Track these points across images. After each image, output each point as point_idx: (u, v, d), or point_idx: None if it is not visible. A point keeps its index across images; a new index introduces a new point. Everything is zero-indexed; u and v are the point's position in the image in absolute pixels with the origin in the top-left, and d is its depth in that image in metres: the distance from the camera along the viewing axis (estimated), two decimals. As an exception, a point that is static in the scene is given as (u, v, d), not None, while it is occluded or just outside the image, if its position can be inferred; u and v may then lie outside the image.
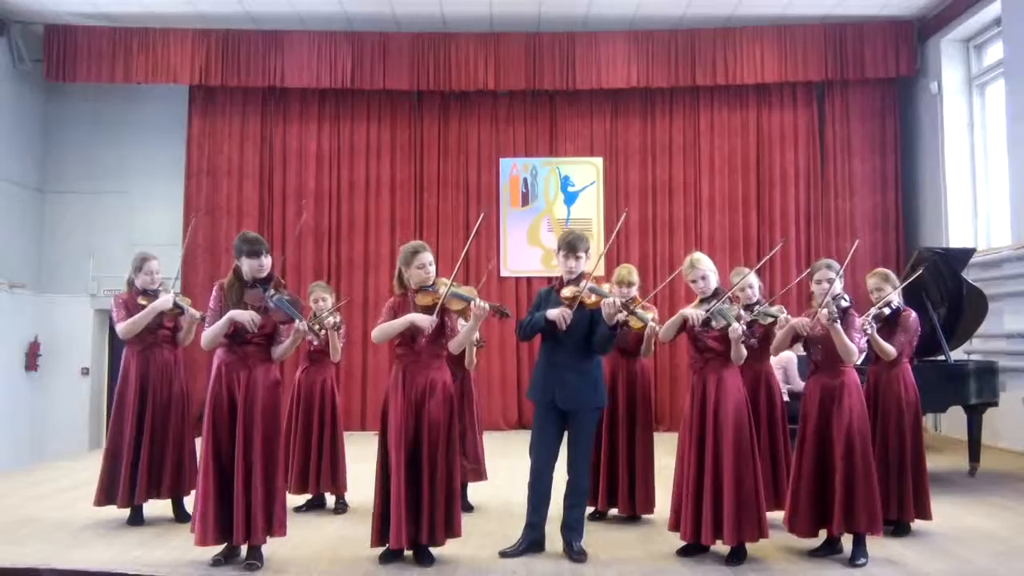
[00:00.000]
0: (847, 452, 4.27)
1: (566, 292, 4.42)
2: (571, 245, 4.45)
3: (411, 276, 4.37)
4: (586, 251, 4.50)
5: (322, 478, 5.52)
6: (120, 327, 5.10)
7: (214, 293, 4.29)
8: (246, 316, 4.16)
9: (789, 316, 4.65)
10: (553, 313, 4.36)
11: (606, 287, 4.51)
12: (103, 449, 5.30)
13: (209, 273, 9.97)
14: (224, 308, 4.21)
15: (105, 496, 5.15)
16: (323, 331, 5.32)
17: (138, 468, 5.07)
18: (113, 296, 5.27)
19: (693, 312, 4.40)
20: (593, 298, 4.34)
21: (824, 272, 4.48)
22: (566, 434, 4.55)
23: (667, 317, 4.70)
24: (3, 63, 9.97)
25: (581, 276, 4.46)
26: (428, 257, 4.37)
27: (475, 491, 5.72)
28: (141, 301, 5.15)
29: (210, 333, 4.24)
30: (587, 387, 4.46)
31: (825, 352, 4.39)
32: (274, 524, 4.23)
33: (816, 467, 4.34)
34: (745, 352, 4.40)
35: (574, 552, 4.40)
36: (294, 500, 5.37)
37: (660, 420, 9.75)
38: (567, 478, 4.52)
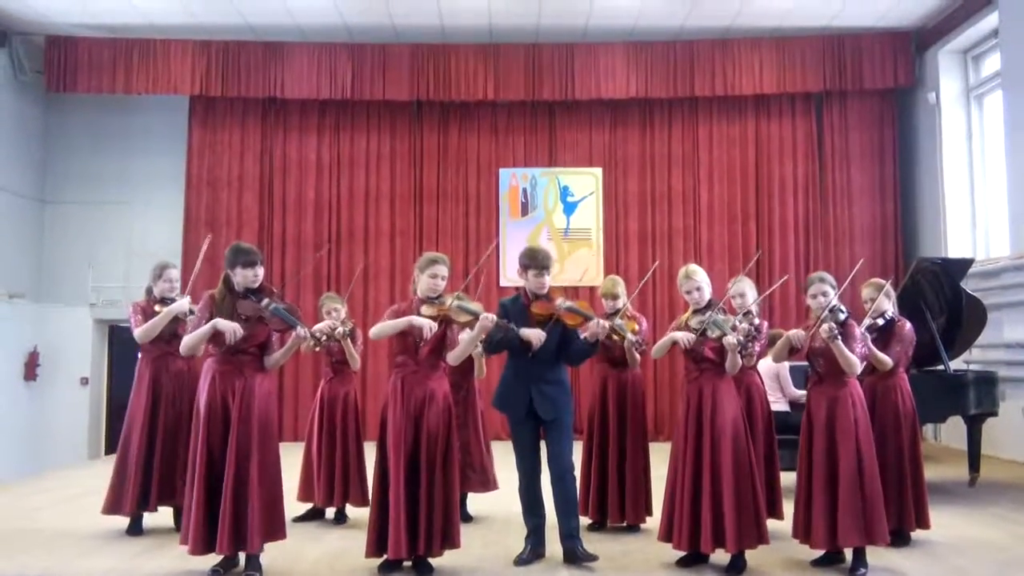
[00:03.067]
0: (853, 464, 4.23)
1: (537, 308, 4.47)
2: (542, 264, 4.52)
3: (421, 282, 4.40)
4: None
5: (350, 490, 5.42)
6: (137, 331, 5.13)
7: (202, 302, 4.30)
8: (229, 327, 4.15)
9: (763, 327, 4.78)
10: (528, 332, 4.40)
11: (585, 306, 4.55)
12: (115, 456, 5.26)
13: (208, 284, 9.90)
14: (213, 318, 4.20)
15: (114, 504, 5.13)
16: (326, 340, 5.19)
17: (151, 476, 5.06)
18: (131, 303, 5.34)
19: (683, 336, 4.43)
20: (576, 318, 4.40)
21: (818, 286, 4.46)
22: (546, 446, 4.56)
23: (664, 325, 4.72)
24: (4, 74, 10.02)
25: (550, 292, 4.55)
26: (444, 270, 4.42)
27: (478, 502, 5.70)
28: (158, 308, 5.20)
29: (190, 339, 4.27)
30: (563, 395, 4.57)
31: (827, 364, 4.37)
32: (274, 529, 4.22)
33: (827, 479, 4.29)
34: (740, 362, 4.42)
35: (580, 556, 4.39)
36: (294, 510, 5.33)
37: (660, 430, 9.74)
38: (553, 490, 4.51)
